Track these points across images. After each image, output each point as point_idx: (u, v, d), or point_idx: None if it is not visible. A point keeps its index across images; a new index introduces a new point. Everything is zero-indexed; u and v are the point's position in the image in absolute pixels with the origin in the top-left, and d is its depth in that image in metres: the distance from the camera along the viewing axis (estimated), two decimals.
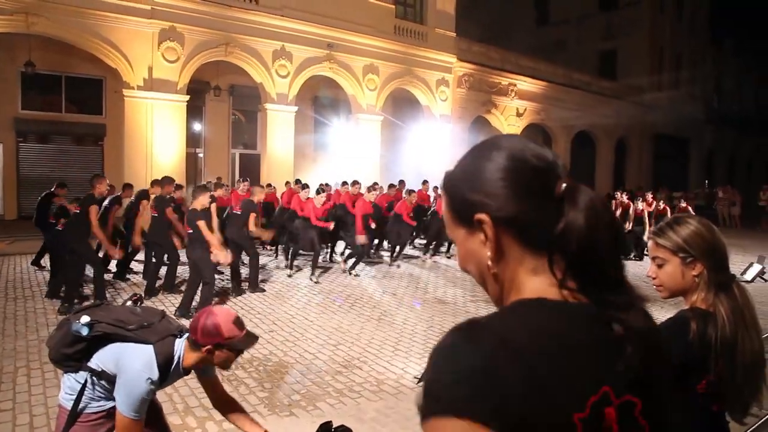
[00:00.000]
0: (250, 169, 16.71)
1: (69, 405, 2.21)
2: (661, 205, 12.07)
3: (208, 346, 2.05)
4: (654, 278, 1.59)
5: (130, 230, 8.25)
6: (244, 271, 8.09)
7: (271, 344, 5.54)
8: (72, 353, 2.17)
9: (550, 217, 0.73)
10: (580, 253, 0.72)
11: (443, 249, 11.56)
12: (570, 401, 0.67)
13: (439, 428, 0.64)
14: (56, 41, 12.30)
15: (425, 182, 13.21)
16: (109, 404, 2.22)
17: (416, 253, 11.83)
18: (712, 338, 1.44)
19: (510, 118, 20.79)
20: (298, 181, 12.50)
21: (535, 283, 0.75)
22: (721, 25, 32.01)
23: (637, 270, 10.58)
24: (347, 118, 17.85)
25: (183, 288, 7.08)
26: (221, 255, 6.65)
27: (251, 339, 2.13)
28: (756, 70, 35.78)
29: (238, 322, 2.12)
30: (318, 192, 9.09)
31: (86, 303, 2.09)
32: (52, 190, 8.47)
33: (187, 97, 13.20)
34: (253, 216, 7.87)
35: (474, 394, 0.64)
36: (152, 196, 8.22)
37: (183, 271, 8.59)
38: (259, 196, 8.26)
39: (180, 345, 2.15)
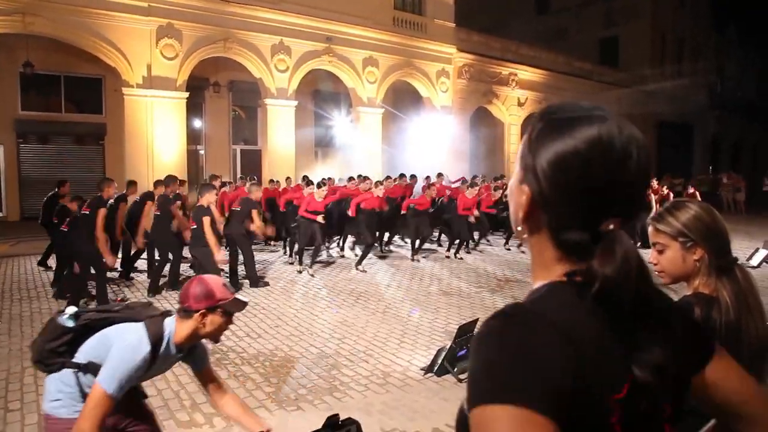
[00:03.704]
0: (252, 164, 16.70)
1: (59, 413, 2.07)
2: (665, 190, 12.09)
3: (202, 310, 2.05)
4: (655, 264, 1.58)
5: (133, 230, 8.23)
6: (241, 268, 8.09)
7: (277, 339, 5.56)
8: (57, 347, 2.08)
9: (584, 243, 0.74)
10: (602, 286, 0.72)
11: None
12: (610, 382, 0.69)
13: (490, 417, 0.61)
14: (54, 41, 12.26)
15: (440, 175, 13.03)
16: None
17: (433, 247, 11.78)
18: (716, 323, 1.43)
19: (511, 108, 20.70)
20: (305, 178, 12.43)
21: (559, 270, 0.76)
22: (724, 11, 31.66)
23: (642, 257, 10.53)
24: (348, 111, 17.79)
25: None
26: (218, 255, 6.78)
27: (241, 303, 2.15)
28: (759, 56, 35.38)
29: (228, 286, 2.15)
30: (319, 186, 8.98)
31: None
32: (57, 191, 8.50)
33: (187, 94, 13.18)
34: (255, 212, 7.86)
35: (526, 380, 0.63)
36: (156, 196, 8.23)
37: (185, 269, 8.62)
38: (255, 194, 8.30)
39: (169, 323, 2.11)
